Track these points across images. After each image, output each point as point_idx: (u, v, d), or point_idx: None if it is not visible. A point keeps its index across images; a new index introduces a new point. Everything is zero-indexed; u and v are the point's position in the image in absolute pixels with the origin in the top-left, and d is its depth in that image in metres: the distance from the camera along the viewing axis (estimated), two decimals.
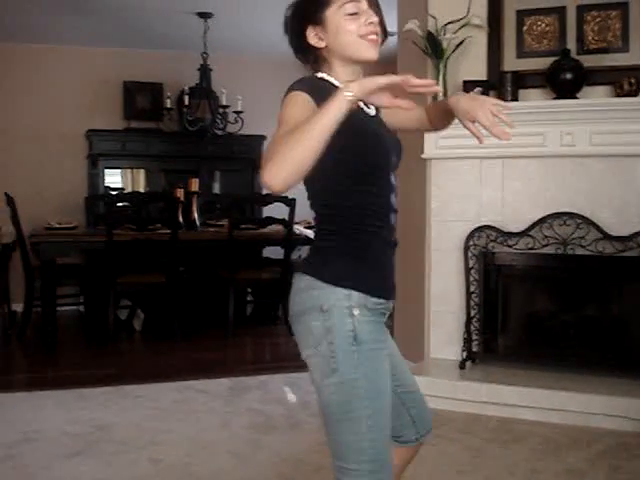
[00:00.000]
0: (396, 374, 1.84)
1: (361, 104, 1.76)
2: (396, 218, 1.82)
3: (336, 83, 1.76)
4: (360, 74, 1.80)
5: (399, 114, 1.89)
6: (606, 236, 3.95)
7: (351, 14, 1.74)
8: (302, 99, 1.63)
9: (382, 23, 1.80)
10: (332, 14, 1.74)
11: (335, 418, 1.69)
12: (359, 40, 1.75)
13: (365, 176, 1.74)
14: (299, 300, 1.73)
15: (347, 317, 1.67)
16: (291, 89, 1.67)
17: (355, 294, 1.69)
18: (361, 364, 1.67)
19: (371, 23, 1.74)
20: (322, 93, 1.61)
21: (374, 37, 1.76)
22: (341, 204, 1.74)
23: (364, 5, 1.75)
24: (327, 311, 1.67)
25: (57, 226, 6.05)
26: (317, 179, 1.67)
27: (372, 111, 1.82)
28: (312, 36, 1.77)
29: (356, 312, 1.68)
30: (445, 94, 3.92)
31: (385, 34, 1.82)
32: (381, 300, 1.74)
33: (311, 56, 1.81)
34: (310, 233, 6.04)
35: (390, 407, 1.74)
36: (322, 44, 1.77)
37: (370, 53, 1.76)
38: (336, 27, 1.74)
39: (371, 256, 1.75)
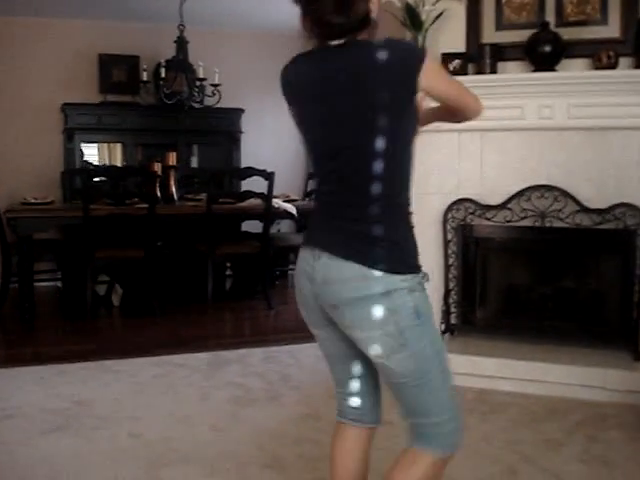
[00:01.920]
0: None
1: None
2: None
3: None
4: None
5: None
6: (584, 209, 3.97)
7: None
8: None
9: None
10: None
11: (412, 384, 1.80)
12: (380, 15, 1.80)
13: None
14: (353, 287, 1.73)
15: (407, 297, 1.73)
16: (423, 50, 1.75)
17: (409, 276, 1.74)
18: (425, 333, 1.78)
19: None
20: None
21: None
22: (403, 184, 1.80)
23: None
24: (389, 295, 1.71)
25: (33, 201, 5.99)
26: (397, 162, 1.76)
27: None
28: (374, 2, 1.75)
29: (413, 290, 1.74)
30: None
31: None
32: (424, 272, 1.80)
33: (362, 23, 1.74)
34: (289, 207, 6.01)
35: None
36: (375, 11, 1.76)
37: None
38: None
39: (412, 234, 1.82)
